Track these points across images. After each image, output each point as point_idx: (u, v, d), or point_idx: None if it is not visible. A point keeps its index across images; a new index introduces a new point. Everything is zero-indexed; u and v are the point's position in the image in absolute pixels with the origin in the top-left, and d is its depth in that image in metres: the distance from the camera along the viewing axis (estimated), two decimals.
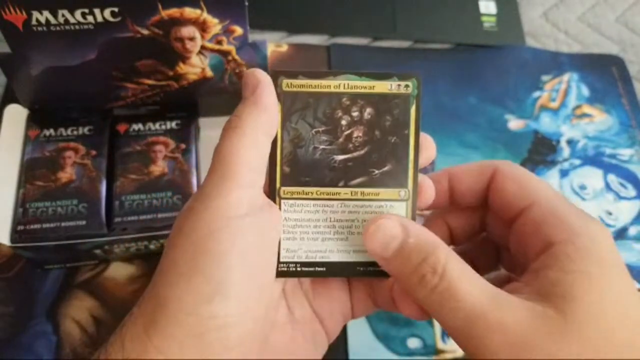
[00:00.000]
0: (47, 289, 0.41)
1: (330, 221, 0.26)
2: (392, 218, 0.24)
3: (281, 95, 0.25)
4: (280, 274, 0.26)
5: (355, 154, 0.26)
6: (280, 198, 0.25)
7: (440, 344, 0.41)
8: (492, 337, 0.21)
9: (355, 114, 0.26)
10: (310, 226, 0.26)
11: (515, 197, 0.25)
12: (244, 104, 0.24)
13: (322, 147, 0.25)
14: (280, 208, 0.25)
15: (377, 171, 0.26)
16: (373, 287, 0.27)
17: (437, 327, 0.42)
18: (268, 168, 0.25)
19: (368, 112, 0.26)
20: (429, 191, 0.26)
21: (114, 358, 0.21)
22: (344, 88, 0.25)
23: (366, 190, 0.26)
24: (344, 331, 0.41)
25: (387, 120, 0.26)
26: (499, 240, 0.28)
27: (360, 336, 0.41)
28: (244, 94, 0.24)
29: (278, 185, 0.25)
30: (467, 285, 0.22)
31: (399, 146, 0.26)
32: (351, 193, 0.26)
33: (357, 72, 0.25)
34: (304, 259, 0.26)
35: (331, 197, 0.26)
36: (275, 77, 0.25)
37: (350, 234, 0.26)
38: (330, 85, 0.25)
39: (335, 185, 0.26)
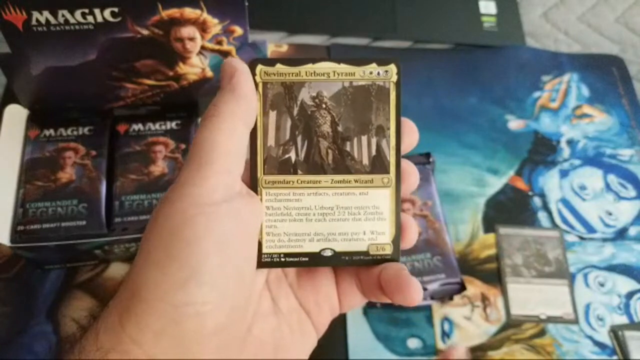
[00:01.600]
0: (47, 289, 0.41)
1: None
2: None
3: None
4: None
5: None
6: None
7: (440, 344, 0.41)
8: None
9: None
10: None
11: None
12: (221, 92, 0.23)
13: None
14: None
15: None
16: (360, 277, 0.26)
17: (437, 327, 0.42)
18: (249, 157, 0.24)
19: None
20: (413, 177, 0.26)
21: (88, 350, 0.20)
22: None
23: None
24: (344, 331, 0.41)
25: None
26: None
27: (360, 336, 0.41)
28: (221, 84, 0.24)
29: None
30: None
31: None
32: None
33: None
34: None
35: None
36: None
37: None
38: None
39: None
